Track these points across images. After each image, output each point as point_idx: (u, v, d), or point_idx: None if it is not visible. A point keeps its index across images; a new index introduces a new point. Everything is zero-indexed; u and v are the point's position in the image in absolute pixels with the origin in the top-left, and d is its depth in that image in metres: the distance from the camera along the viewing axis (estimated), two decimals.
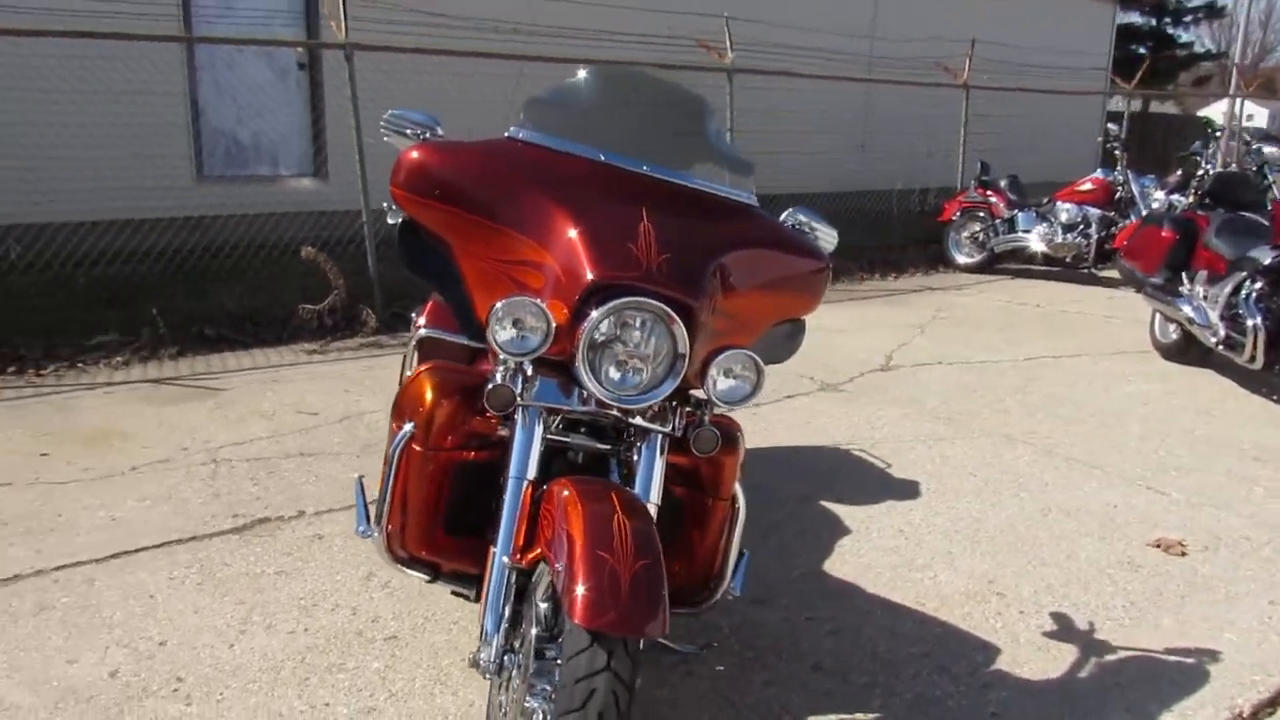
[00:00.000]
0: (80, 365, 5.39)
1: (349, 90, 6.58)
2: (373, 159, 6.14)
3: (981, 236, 9.29)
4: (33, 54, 5.88)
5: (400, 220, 2.25)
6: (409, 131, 2.27)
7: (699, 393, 2.15)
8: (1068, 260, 8.81)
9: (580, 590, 1.72)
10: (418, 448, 2.20)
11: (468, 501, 2.24)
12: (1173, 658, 2.75)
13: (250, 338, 6.07)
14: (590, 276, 1.98)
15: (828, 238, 2.45)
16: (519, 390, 2.05)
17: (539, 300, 1.97)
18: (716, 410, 2.13)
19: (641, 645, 1.94)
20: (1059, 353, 6.22)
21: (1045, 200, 8.94)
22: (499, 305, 1.94)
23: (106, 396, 4.89)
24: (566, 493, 1.94)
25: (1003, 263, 9.37)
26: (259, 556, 3.20)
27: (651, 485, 2.11)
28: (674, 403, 2.15)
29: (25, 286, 5.99)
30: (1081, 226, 8.69)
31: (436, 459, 2.21)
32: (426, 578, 2.34)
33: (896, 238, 9.77)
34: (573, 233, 2.05)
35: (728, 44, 8.06)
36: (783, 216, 2.45)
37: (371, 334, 6.22)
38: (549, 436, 2.14)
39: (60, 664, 2.58)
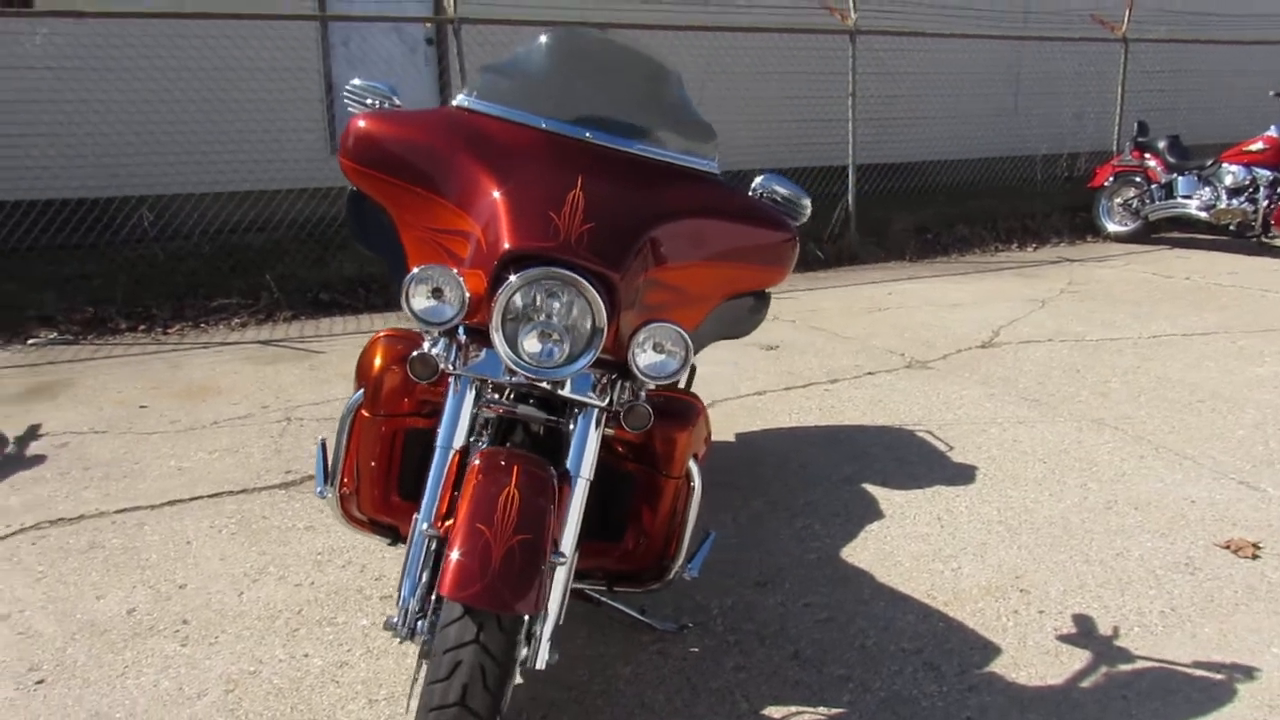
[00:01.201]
0: (203, 326, 5.82)
1: (458, 63, 6.77)
2: None
3: (1136, 203, 8.59)
4: (166, 34, 6.32)
5: (350, 190, 2.30)
6: (368, 101, 2.31)
7: None
8: (1232, 228, 8.02)
9: (451, 561, 1.73)
10: (366, 413, 2.25)
11: (423, 467, 2.28)
12: (1199, 672, 2.49)
13: (361, 303, 6.37)
14: (506, 245, 1.96)
15: (799, 208, 2.33)
16: (451, 359, 2.05)
17: (454, 269, 1.97)
18: (649, 386, 2.08)
19: (532, 621, 1.93)
20: (1191, 331, 5.69)
21: (1210, 162, 8.15)
22: (413, 273, 1.95)
23: (216, 355, 5.26)
24: (476, 463, 1.94)
25: (1161, 232, 8.65)
26: (296, 511, 3.38)
27: (583, 460, 2.07)
28: (614, 376, 2.11)
29: (158, 253, 6.49)
30: (1249, 190, 7.88)
31: (386, 424, 2.26)
32: (387, 540, 2.41)
33: (1039, 206, 9.15)
34: (497, 201, 2.03)
35: (850, 4, 7.73)
36: (753, 184, 2.35)
37: None
38: (506, 407, 2.14)
39: (90, 599, 2.81)
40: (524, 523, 1.78)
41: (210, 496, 3.49)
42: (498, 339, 1.96)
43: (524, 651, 1.95)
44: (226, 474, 3.68)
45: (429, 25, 8.39)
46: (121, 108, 6.37)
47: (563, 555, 2.00)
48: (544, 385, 2.07)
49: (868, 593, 2.87)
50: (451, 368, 2.05)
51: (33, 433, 4.07)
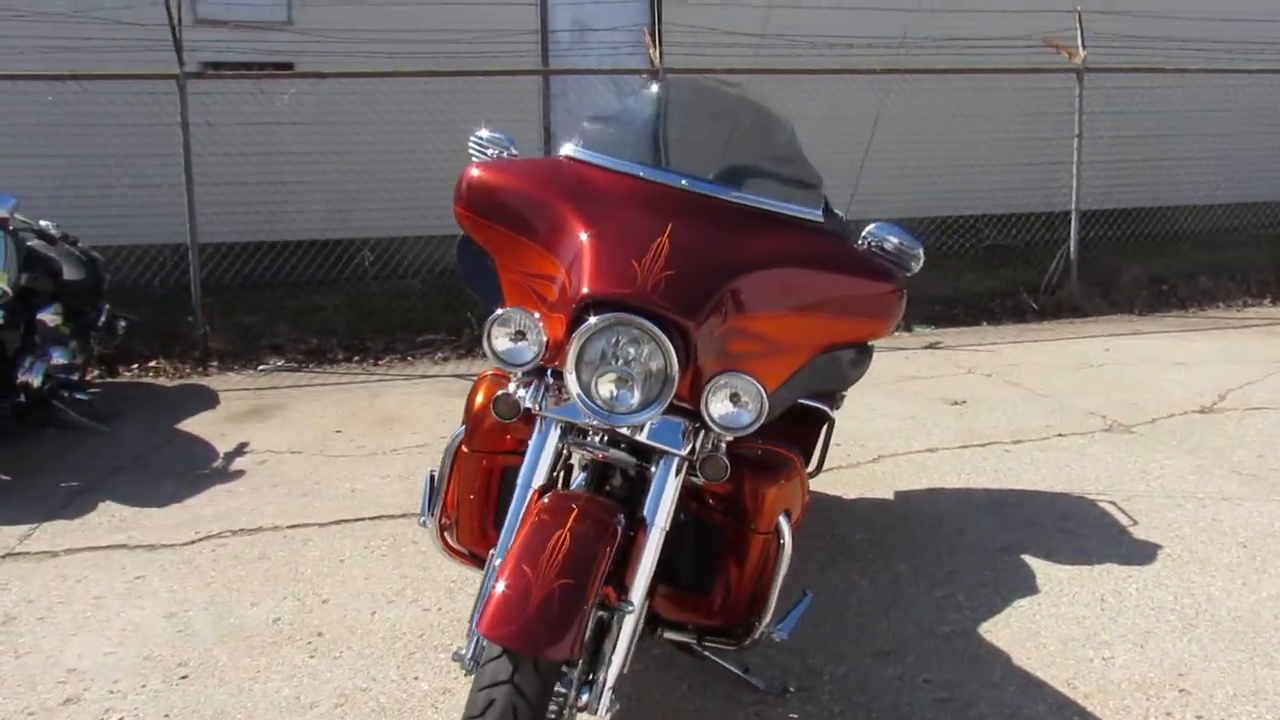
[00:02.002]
0: (409, 359, 6.24)
1: None
2: None
3: None
4: (396, 91, 6.89)
5: (461, 234, 2.40)
6: (490, 151, 2.42)
7: None
8: None
9: (493, 599, 1.75)
10: (465, 449, 2.34)
11: None
12: None
13: None
14: (584, 290, 1.98)
15: (907, 258, 2.20)
16: (539, 400, 2.10)
17: (535, 313, 2.02)
18: (725, 438, 2.02)
19: (595, 667, 1.92)
20: None
21: None
22: (494, 315, 2.01)
23: (413, 387, 5.62)
24: (543, 502, 1.97)
25: None
26: None
27: (660, 508, 2.04)
28: (698, 425, 2.07)
29: (375, 291, 7.04)
30: None
31: (485, 460, 2.34)
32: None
33: None
34: (582, 247, 2.06)
35: (1079, 42, 7.26)
36: (864, 233, 2.25)
37: None
38: (599, 450, 2.15)
39: (245, 605, 3.06)
40: (569, 567, 1.77)
41: (372, 519, 3.72)
42: (571, 381, 1.98)
43: (585, 697, 1.94)
44: (392, 499, 3.91)
45: (643, 75, 8.66)
46: (353, 157, 7.00)
47: (631, 604, 1.98)
48: (623, 430, 2.07)
49: (999, 675, 2.64)
50: (538, 408, 2.09)
51: (240, 450, 4.50)
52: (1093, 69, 7.33)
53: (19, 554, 3.44)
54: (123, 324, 5.47)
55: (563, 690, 1.89)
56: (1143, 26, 8.12)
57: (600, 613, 2.00)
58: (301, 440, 4.66)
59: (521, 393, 2.09)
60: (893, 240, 2.21)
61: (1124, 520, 3.58)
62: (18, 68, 6.23)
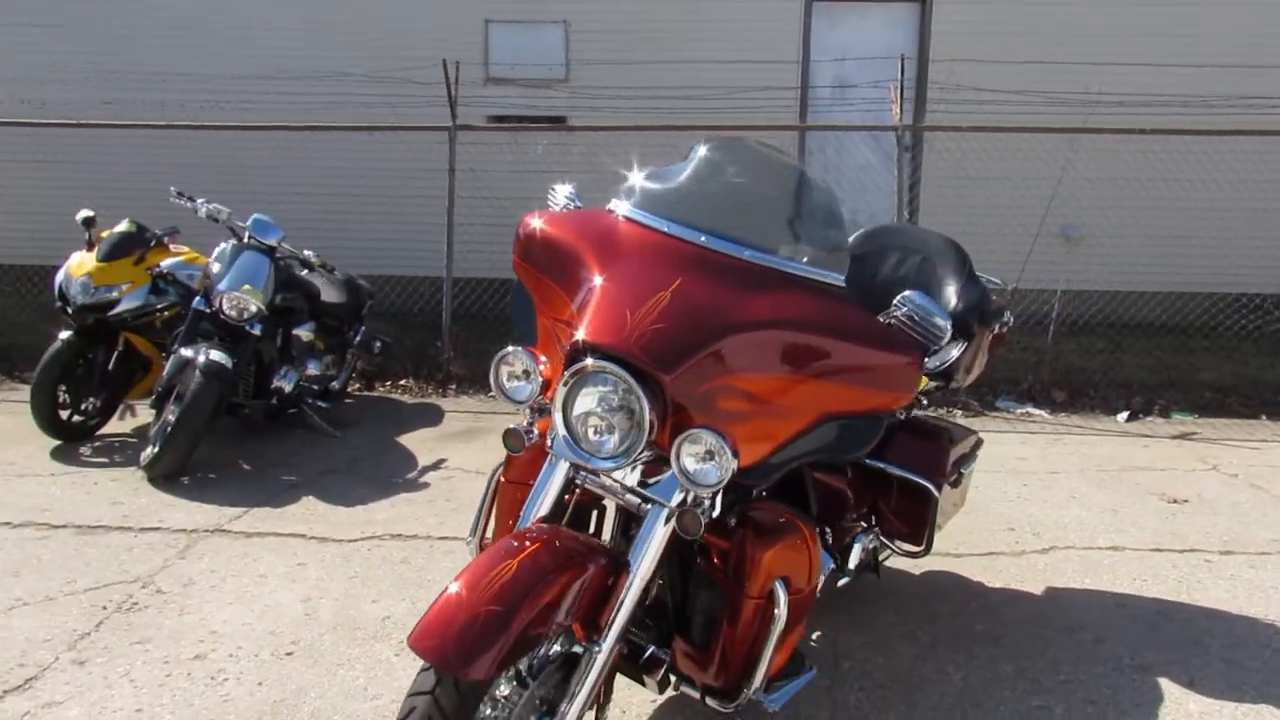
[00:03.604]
0: None
1: (909, 168, 6.82)
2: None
3: None
4: (649, 143, 7.26)
5: (516, 281, 2.57)
6: (560, 203, 2.58)
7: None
8: None
9: (427, 615, 1.88)
10: (503, 479, 2.50)
11: None
12: None
13: None
14: (578, 336, 2.08)
15: (930, 331, 2.08)
16: (552, 438, 2.22)
17: (538, 354, 2.15)
18: (703, 493, 2.03)
19: (558, 700, 1.99)
20: None
21: None
22: (501, 353, 2.17)
23: None
24: (521, 530, 2.08)
25: None
26: None
27: (644, 554, 2.09)
28: None
29: None
30: None
31: (520, 490, 2.48)
32: None
33: None
34: (592, 295, 2.16)
35: None
36: (895, 300, 2.15)
37: None
38: (615, 494, 2.24)
39: (366, 601, 3.40)
40: (502, 596, 1.86)
41: None
42: (557, 421, 2.09)
43: None
44: None
45: (906, 133, 8.49)
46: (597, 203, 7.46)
47: (599, 645, 2.04)
48: (615, 475, 2.14)
49: None
50: (549, 445, 2.22)
51: (436, 465, 4.96)
52: None
53: (224, 531, 4.03)
54: (378, 344, 6.19)
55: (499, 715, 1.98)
56: None
57: (576, 648, 2.08)
58: (490, 463, 4.96)
59: (535, 430, 2.23)
60: (918, 311, 2.10)
61: None
62: (306, 120, 7.32)
